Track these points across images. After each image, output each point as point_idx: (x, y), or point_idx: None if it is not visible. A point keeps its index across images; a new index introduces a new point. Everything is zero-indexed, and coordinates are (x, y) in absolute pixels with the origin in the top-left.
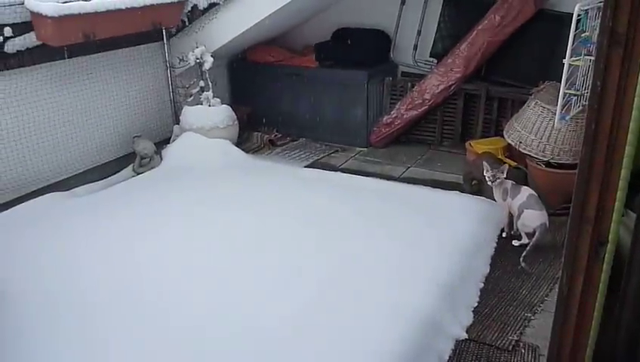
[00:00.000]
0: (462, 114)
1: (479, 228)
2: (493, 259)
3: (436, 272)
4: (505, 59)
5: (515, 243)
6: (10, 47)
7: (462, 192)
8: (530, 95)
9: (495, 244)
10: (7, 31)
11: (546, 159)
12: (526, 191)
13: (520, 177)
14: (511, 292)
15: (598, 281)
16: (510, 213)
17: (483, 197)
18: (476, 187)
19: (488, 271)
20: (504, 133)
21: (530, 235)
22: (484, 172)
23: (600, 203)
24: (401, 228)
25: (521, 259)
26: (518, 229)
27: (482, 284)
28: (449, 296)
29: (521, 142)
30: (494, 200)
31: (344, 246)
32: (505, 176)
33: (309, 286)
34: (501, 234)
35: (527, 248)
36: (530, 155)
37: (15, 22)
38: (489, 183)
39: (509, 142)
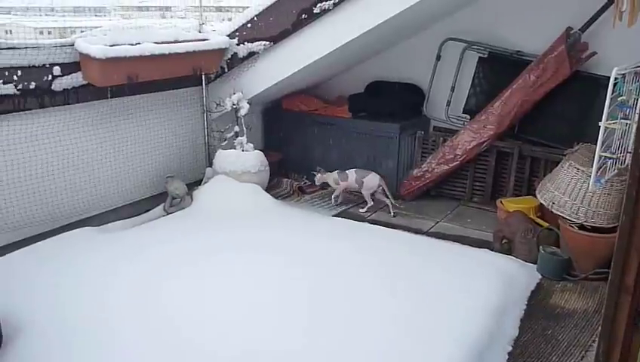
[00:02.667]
0: (493, 171)
1: (508, 288)
2: (522, 322)
3: (462, 333)
4: (538, 118)
5: (362, 210)
6: (58, 85)
7: (491, 250)
8: (564, 156)
9: (525, 306)
10: (56, 70)
11: (579, 221)
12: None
13: (551, 238)
14: (540, 357)
15: (637, 353)
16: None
17: (513, 257)
18: (506, 246)
19: (517, 334)
20: (536, 192)
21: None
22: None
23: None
24: (426, 284)
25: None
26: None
27: (510, 348)
28: (475, 358)
29: (553, 203)
30: (525, 260)
31: (366, 300)
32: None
33: (326, 337)
34: (530, 300)
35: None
36: (562, 216)
37: (64, 62)
38: (335, 185)
39: (542, 202)
